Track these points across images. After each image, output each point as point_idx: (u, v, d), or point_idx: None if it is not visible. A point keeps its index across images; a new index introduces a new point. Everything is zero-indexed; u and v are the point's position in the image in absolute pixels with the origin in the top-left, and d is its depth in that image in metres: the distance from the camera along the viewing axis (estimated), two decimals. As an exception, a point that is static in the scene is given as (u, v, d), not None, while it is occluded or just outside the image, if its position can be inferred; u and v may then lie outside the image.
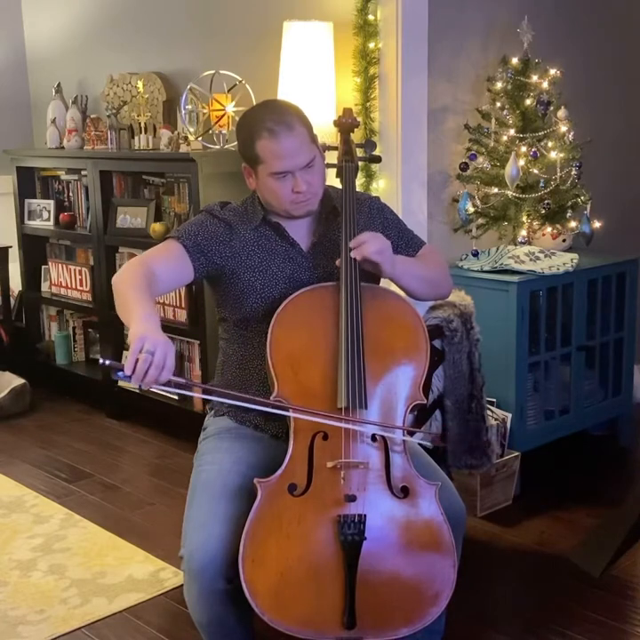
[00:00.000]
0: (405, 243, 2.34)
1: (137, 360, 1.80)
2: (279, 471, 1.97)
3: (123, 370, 1.80)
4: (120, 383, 1.75)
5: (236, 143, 3.77)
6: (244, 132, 2.18)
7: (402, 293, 2.27)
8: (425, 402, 2.10)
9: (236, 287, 2.19)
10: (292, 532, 1.92)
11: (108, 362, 1.84)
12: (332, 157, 2.36)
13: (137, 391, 4.20)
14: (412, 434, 2.17)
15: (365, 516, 1.92)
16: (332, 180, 2.31)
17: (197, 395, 2.03)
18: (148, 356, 1.80)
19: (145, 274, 2.06)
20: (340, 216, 2.21)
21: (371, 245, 2.07)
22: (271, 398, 2.01)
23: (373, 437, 2.00)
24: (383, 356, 2.07)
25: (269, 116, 2.11)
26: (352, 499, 1.93)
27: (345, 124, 2.42)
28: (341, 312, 2.05)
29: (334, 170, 2.33)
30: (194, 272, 2.17)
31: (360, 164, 2.49)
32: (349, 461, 1.95)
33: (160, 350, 1.82)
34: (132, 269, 2.09)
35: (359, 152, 2.42)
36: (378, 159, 2.52)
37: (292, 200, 2.14)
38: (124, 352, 4.29)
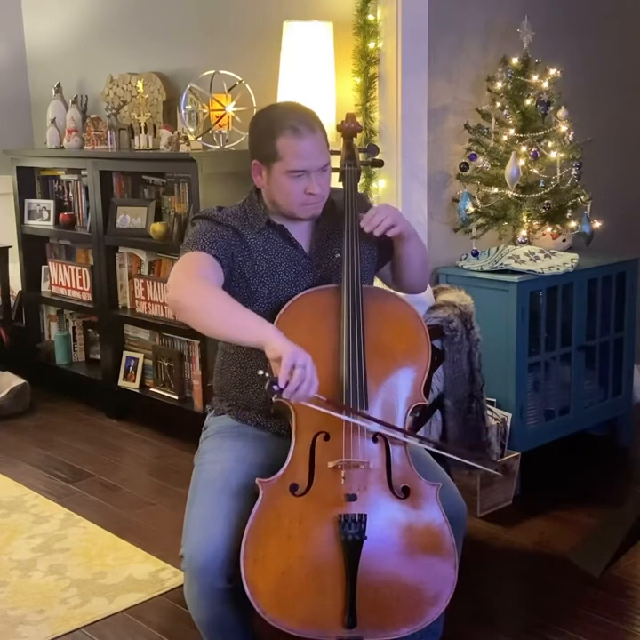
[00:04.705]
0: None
1: (291, 374, 1.83)
2: (280, 471, 1.97)
3: (277, 383, 1.82)
4: (274, 398, 1.79)
5: (236, 143, 3.79)
6: (263, 127, 2.15)
7: (402, 295, 2.28)
8: (425, 403, 2.11)
9: (243, 292, 2.17)
10: (294, 531, 1.93)
11: (265, 374, 1.85)
12: (334, 162, 2.37)
13: (136, 391, 4.21)
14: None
15: (366, 515, 1.92)
16: (335, 184, 2.31)
17: (344, 417, 2.02)
18: (302, 370, 1.83)
19: (212, 285, 2.03)
20: (336, 211, 2.23)
21: (389, 219, 2.13)
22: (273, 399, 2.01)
23: (374, 438, 2.00)
24: (384, 357, 2.07)
25: (293, 115, 2.12)
26: (353, 498, 1.93)
27: (348, 129, 2.43)
28: (343, 314, 2.06)
29: (336, 174, 2.34)
30: (223, 279, 2.13)
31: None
32: (350, 461, 1.96)
33: (310, 365, 1.86)
34: (197, 282, 2.02)
35: (361, 157, 2.43)
36: (380, 163, 2.54)
37: (302, 201, 2.14)
38: (124, 352, 4.29)
